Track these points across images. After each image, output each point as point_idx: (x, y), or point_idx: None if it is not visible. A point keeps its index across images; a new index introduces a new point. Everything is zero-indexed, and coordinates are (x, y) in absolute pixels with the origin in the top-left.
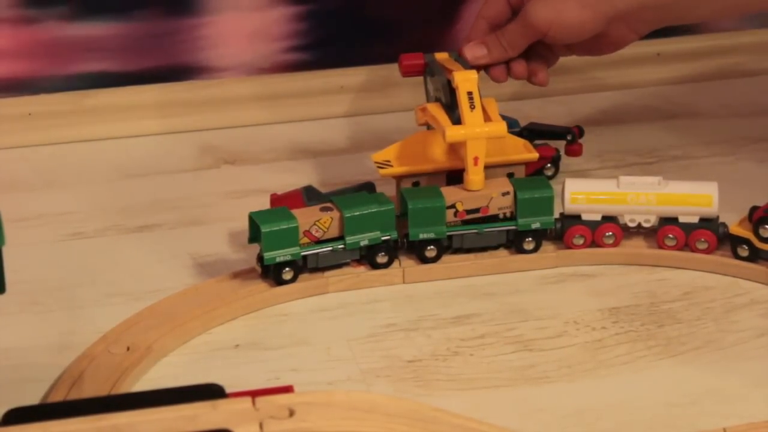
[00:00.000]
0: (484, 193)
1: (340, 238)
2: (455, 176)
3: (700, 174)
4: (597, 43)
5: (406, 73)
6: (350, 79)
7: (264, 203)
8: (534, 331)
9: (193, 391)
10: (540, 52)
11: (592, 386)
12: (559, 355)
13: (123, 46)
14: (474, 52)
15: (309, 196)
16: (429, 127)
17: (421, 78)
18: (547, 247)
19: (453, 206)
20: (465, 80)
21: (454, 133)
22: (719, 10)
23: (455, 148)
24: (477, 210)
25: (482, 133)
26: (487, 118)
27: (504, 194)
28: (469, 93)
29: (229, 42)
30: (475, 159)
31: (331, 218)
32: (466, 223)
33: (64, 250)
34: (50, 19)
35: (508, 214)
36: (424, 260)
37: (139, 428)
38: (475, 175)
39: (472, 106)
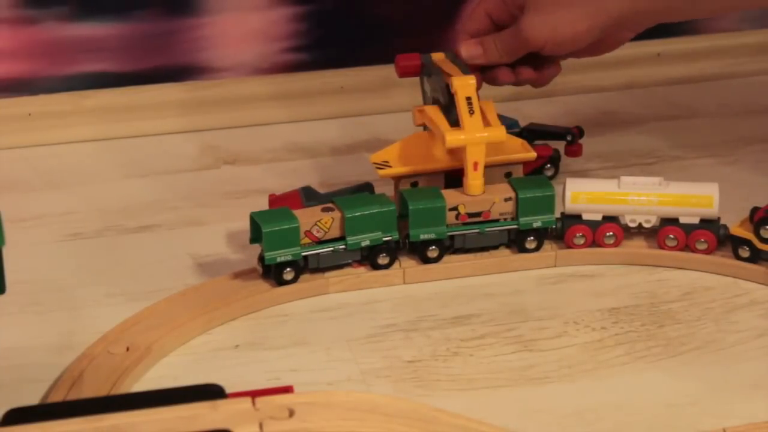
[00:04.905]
0: (487, 197)
1: (341, 238)
2: (454, 176)
3: (700, 175)
4: (595, 47)
5: (403, 73)
6: (350, 79)
7: (264, 203)
8: (534, 332)
9: (192, 392)
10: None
11: (591, 386)
12: (559, 355)
13: (123, 46)
14: (470, 50)
15: (307, 196)
16: (427, 127)
17: (417, 78)
18: (548, 247)
19: (455, 209)
20: (464, 86)
21: (453, 138)
22: (715, 9)
23: (454, 150)
24: (479, 214)
25: (482, 139)
26: (485, 123)
27: (506, 200)
28: (468, 98)
29: (229, 42)
30: (475, 164)
31: (332, 219)
32: (467, 223)
33: (64, 250)
34: (50, 19)
35: (509, 219)
36: (426, 261)
37: (139, 428)
38: (474, 180)
39: (471, 111)
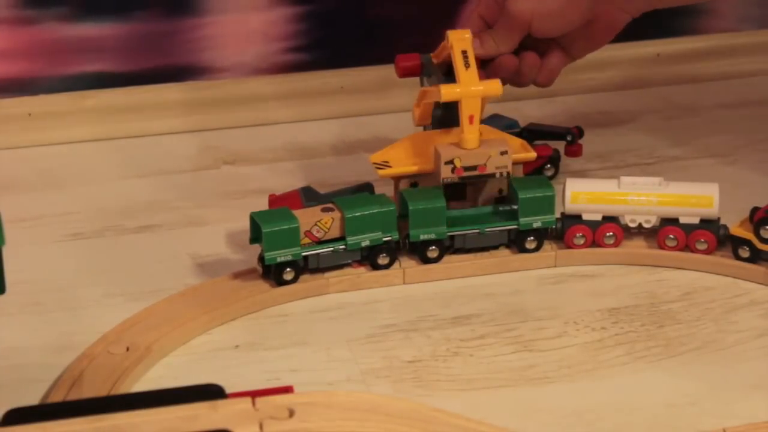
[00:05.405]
0: (483, 151)
1: (341, 238)
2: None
3: (699, 175)
4: (590, 31)
5: (403, 73)
6: (350, 79)
7: (264, 203)
8: (534, 332)
9: (193, 392)
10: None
11: (592, 386)
12: (559, 355)
13: (123, 46)
14: None
15: (307, 196)
16: (426, 127)
17: (417, 78)
18: (548, 247)
19: (451, 162)
20: (459, 39)
21: (449, 91)
22: None
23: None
24: (474, 167)
25: (477, 92)
26: (481, 77)
27: (502, 153)
28: (464, 52)
29: (229, 42)
30: (470, 117)
31: (332, 219)
32: (467, 222)
33: (64, 250)
34: (49, 19)
35: (505, 174)
36: (426, 261)
37: (139, 428)
38: (470, 134)
39: (467, 65)
